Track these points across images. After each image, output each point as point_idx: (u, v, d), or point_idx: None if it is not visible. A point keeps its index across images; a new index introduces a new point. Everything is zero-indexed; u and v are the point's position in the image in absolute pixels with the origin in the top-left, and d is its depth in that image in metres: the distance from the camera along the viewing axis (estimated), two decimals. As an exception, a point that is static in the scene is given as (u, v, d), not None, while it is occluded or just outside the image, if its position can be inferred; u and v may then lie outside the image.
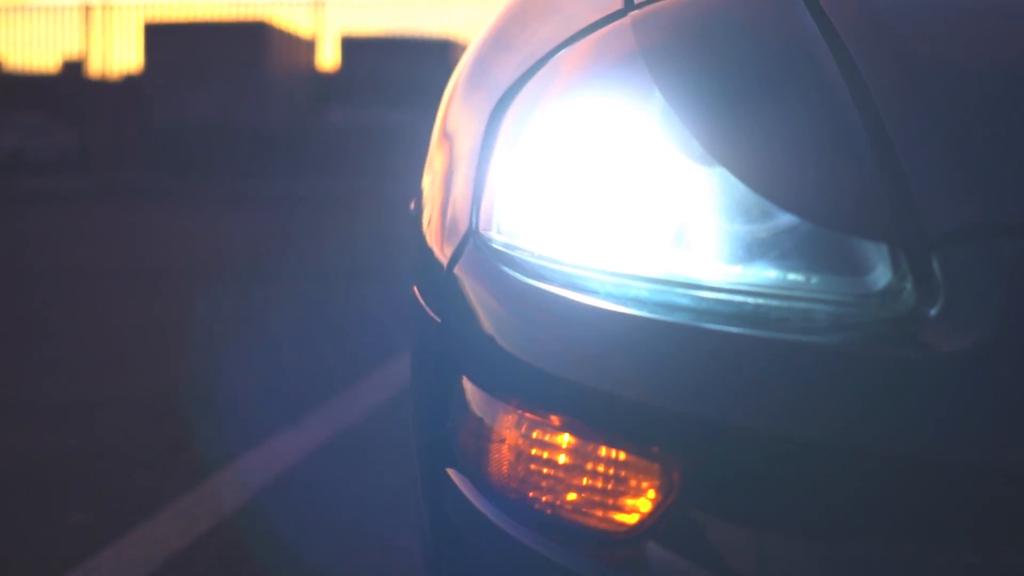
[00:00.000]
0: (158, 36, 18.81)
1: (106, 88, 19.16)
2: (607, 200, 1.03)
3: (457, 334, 1.11)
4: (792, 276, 0.91)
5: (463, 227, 1.15)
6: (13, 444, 3.29)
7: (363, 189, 14.65)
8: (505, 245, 1.08)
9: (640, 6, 1.17)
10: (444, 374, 1.13)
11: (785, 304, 0.89)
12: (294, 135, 18.15)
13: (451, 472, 1.10)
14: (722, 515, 0.88)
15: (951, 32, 1.08)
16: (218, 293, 6.20)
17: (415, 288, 1.31)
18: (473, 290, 1.10)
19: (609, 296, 0.97)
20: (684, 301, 0.93)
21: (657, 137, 1.01)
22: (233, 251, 8.46)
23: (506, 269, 1.06)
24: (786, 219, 0.92)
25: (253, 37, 18.48)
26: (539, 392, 0.98)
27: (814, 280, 0.90)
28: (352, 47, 19.35)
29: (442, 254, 1.18)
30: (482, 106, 1.25)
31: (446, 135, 1.37)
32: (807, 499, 0.84)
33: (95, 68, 19.13)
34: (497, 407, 1.02)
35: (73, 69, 20.42)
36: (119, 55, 24.52)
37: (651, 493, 0.91)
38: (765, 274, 0.92)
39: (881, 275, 0.87)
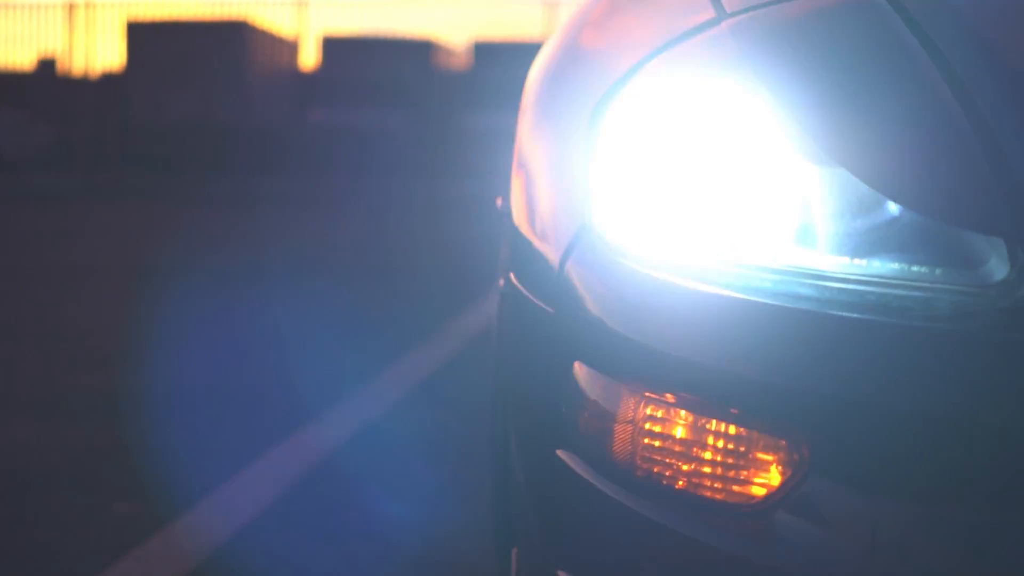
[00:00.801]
0: (140, 34, 18.77)
1: (85, 86, 19.08)
2: (722, 196, 1.10)
3: (572, 322, 1.17)
4: (915, 268, 0.98)
5: (574, 223, 1.21)
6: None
7: (348, 189, 14.66)
8: (622, 239, 1.14)
9: (734, 14, 1.24)
10: (556, 360, 1.19)
11: (907, 294, 0.96)
12: (275, 135, 18.12)
13: (561, 453, 1.17)
14: (850, 487, 0.95)
15: None
16: (202, 292, 6.24)
17: (513, 280, 1.36)
18: (590, 282, 1.15)
19: (732, 287, 1.03)
20: (808, 291, 1.00)
21: (769, 136, 1.08)
22: (218, 250, 8.47)
23: (625, 262, 1.12)
24: (905, 216, 1.00)
25: (234, 36, 18.47)
26: (664, 375, 1.05)
27: (937, 271, 0.97)
28: (333, 47, 19.33)
29: (551, 249, 1.24)
30: (578, 111, 1.30)
31: (537, 139, 1.43)
32: (934, 472, 0.92)
33: (78, 66, 19.06)
34: (620, 390, 1.08)
35: (47, 66, 20.28)
36: (101, 53, 24.41)
37: (780, 467, 0.98)
38: (887, 266, 0.99)
39: (999, 267, 0.94)
